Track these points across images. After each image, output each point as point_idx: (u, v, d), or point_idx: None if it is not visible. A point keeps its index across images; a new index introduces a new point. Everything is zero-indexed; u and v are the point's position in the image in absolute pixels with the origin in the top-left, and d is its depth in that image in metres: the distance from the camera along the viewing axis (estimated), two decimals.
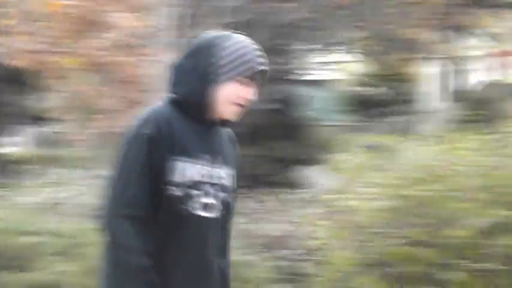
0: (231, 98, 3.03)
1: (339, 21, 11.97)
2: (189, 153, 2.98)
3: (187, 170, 2.97)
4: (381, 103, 19.47)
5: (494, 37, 16.57)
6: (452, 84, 21.08)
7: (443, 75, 20.96)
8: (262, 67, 3.05)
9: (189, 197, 2.97)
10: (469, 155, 5.93)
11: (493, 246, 5.42)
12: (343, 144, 12.39)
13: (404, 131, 14.55)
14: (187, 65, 3.04)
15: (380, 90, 19.89)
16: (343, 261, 5.81)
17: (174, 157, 2.96)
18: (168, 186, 2.94)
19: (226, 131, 3.18)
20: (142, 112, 3.06)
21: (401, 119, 18.57)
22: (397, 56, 13.92)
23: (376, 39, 12.79)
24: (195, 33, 7.47)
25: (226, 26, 7.00)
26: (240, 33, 3.11)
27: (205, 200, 3.01)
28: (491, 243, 5.43)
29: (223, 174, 3.08)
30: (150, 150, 2.94)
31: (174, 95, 3.04)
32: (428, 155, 6.15)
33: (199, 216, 2.99)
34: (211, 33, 3.12)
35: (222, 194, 3.07)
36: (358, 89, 20.33)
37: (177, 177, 2.95)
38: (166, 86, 3.07)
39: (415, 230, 5.58)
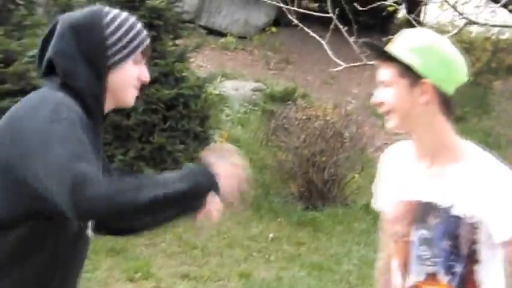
0: (130, 81, 2.59)
1: None
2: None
3: None
4: None
5: None
6: None
7: None
8: (149, 39, 2.63)
9: None
10: None
11: None
12: None
13: None
14: (71, 50, 2.52)
15: None
16: None
17: None
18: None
19: None
20: (44, 98, 2.47)
21: None
22: None
23: None
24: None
25: None
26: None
27: None
28: None
29: None
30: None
31: (67, 86, 2.52)
32: None
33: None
34: (78, 12, 2.60)
35: None
36: None
37: None
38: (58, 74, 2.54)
39: None
